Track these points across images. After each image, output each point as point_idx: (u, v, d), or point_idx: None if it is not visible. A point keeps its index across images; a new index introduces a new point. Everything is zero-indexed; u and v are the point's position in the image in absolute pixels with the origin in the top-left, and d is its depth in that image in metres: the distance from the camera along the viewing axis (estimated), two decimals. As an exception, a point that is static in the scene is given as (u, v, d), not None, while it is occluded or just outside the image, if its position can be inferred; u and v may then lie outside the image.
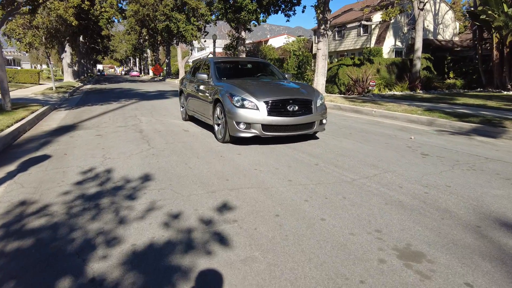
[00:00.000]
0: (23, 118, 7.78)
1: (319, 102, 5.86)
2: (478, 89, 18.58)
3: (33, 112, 9.01)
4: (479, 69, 18.94)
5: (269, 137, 5.67)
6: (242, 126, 5.39)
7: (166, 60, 44.43)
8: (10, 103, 9.25)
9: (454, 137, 6.59)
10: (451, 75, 20.35)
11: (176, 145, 5.72)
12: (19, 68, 38.07)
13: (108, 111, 10.59)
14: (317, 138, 6.35)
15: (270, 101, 5.38)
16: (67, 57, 27.81)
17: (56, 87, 19.48)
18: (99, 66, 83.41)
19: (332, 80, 16.89)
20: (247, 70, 7.53)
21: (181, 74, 37.34)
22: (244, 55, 22.71)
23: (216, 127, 6.07)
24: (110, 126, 7.70)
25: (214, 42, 29.48)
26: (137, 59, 74.25)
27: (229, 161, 4.75)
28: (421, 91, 17.30)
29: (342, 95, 15.89)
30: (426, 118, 8.41)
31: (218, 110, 5.91)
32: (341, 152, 5.31)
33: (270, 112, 5.34)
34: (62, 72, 31.11)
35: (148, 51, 58.08)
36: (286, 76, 7.21)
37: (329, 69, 16.97)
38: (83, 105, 12.20)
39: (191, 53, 38.00)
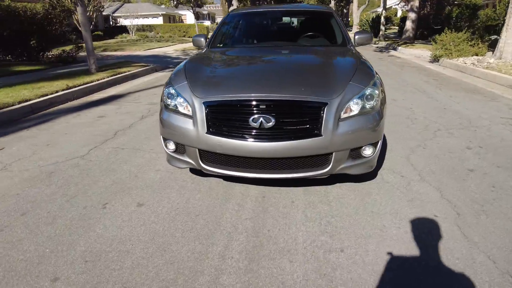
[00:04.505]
0: (76, 86, 7.00)
1: (356, 106, 2.41)
2: None
3: (112, 76, 8.38)
4: None
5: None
6: (171, 147, 2.72)
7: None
8: (96, 64, 8.90)
9: None
10: None
11: (68, 172, 3.55)
12: (208, 23, 41.87)
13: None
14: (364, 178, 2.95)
15: (214, 102, 2.45)
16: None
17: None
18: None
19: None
20: (283, 29, 4.26)
21: (355, 28, 32.82)
22: None
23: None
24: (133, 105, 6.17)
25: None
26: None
27: None
28: None
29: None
30: None
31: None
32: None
33: (213, 126, 2.44)
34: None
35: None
36: (356, 38, 3.68)
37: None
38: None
39: (368, 2, 32.64)
